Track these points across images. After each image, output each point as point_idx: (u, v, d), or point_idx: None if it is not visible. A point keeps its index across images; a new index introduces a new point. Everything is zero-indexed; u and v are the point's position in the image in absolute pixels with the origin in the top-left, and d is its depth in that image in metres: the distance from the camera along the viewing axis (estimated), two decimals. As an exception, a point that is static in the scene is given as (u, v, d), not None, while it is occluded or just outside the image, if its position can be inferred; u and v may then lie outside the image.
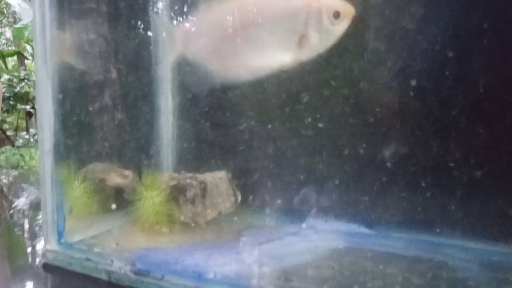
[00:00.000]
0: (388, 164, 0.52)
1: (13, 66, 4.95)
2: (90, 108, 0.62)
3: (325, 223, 0.53)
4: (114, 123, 0.63)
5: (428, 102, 0.52)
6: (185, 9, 0.51)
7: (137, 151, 0.61)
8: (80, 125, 0.59)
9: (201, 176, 0.53)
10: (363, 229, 0.54)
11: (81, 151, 0.57)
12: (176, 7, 0.53)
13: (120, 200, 0.53)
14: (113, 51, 0.64)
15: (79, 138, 0.57)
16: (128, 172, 0.56)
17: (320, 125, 0.55)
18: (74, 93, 0.59)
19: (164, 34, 0.52)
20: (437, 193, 0.51)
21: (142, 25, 0.56)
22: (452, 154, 0.51)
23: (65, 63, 0.55)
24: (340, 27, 0.44)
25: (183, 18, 0.52)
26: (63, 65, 0.53)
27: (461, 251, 0.50)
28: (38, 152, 0.48)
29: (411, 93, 0.51)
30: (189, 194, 0.51)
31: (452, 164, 0.51)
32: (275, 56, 0.46)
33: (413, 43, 0.51)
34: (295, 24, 0.44)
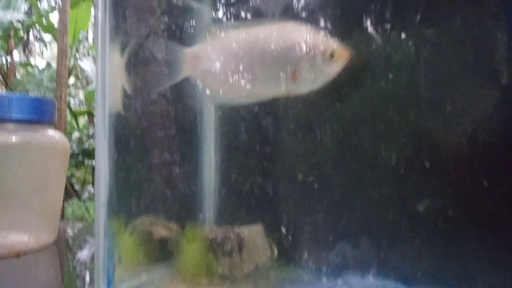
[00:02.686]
0: (427, 220, 0.52)
1: (83, 125, 5.42)
2: (139, 165, 0.69)
3: (361, 279, 0.53)
4: (161, 179, 0.68)
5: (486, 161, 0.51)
6: (195, 36, 0.57)
7: (182, 205, 0.65)
8: (131, 181, 0.65)
9: (238, 230, 0.55)
10: (399, 286, 0.53)
11: (131, 205, 0.63)
12: (187, 35, 0.59)
13: (165, 251, 0.57)
14: (162, 112, 0.71)
15: (129, 194, 0.63)
16: (172, 225, 0.60)
17: (359, 180, 0.57)
18: (126, 151, 0.66)
19: (176, 58, 0.56)
20: (479, 251, 0.49)
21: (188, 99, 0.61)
22: (499, 212, 0.50)
23: (120, 125, 0.62)
24: (333, 66, 0.48)
25: (192, 44, 0.56)
26: (117, 127, 0.60)
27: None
28: (94, 205, 0.54)
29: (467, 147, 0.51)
30: (227, 247, 0.54)
31: (500, 222, 0.49)
32: (270, 85, 0.51)
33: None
34: (288, 58, 0.49)
